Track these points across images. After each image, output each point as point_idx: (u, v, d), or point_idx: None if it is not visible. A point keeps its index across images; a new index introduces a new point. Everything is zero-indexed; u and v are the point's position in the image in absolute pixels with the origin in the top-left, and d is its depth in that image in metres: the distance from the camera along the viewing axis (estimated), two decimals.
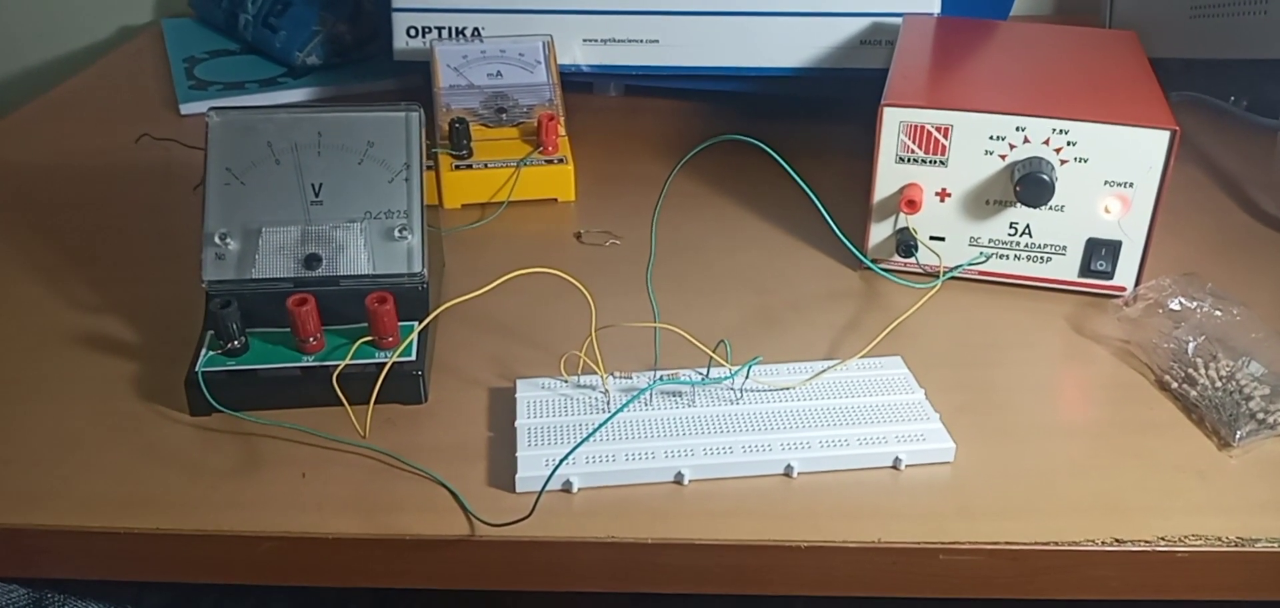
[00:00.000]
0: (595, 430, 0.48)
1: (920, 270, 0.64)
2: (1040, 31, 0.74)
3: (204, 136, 0.55)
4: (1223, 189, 0.76)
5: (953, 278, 0.63)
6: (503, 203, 0.72)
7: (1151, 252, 0.60)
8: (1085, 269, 0.62)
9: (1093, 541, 0.45)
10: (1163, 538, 0.45)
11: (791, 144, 0.69)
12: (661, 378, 0.52)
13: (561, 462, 0.46)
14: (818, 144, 0.84)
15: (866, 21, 0.81)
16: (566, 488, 0.47)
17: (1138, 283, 0.61)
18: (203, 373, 0.51)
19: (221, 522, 0.45)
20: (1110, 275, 0.61)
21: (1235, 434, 0.50)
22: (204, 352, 0.52)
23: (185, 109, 0.89)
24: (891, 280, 0.63)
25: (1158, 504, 0.47)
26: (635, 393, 0.51)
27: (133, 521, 0.45)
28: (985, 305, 0.62)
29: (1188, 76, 0.89)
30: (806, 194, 0.60)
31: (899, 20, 0.79)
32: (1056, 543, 0.45)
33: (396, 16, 0.83)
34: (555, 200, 0.74)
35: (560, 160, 0.73)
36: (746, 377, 0.52)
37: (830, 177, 0.72)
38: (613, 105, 0.92)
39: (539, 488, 0.46)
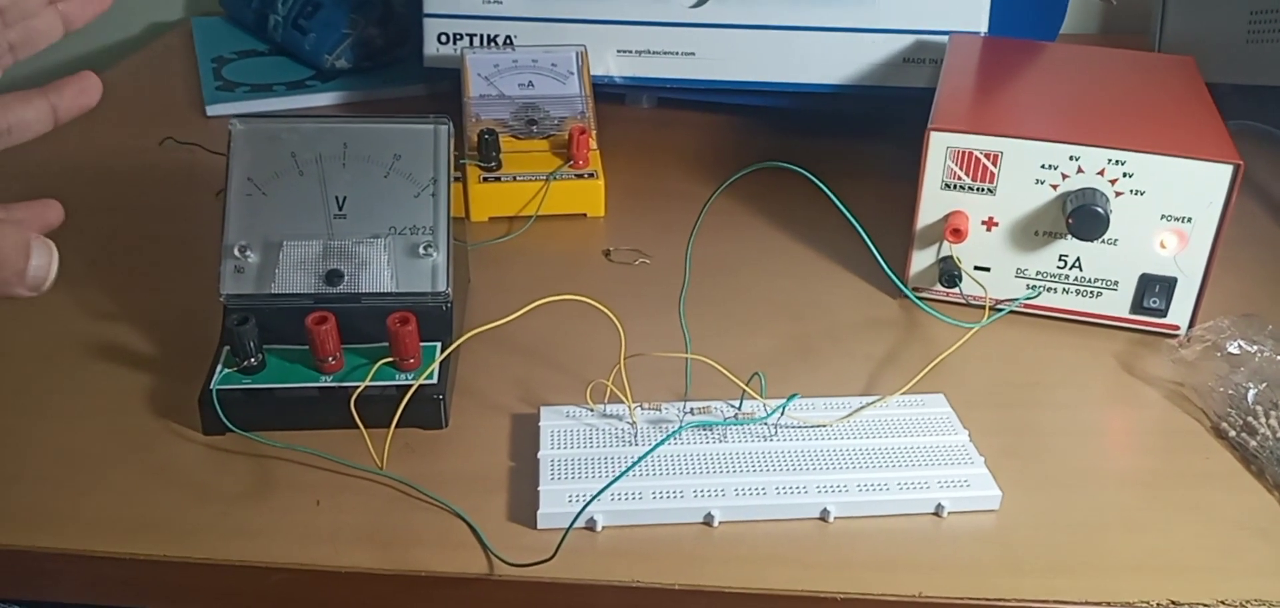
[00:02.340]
0: (624, 473, 0.46)
1: (964, 302, 0.61)
2: (1093, 55, 0.71)
3: (226, 145, 0.53)
4: None
5: (994, 309, 0.60)
6: (531, 217, 0.70)
7: (1207, 289, 0.57)
8: (1138, 306, 0.59)
9: (1147, 602, 0.42)
10: (1223, 602, 0.42)
11: (829, 164, 0.66)
12: (692, 410, 0.50)
13: (587, 505, 0.44)
14: (857, 164, 0.81)
15: (910, 39, 0.78)
16: (590, 526, 0.44)
17: (1193, 322, 0.58)
18: (217, 391, 0.49)
19: (231, 550, 0.43)
20: (1164, 313, 0.59)
21: None
22: (219, 368, 0.50)
23: (212, 110, 0.88)
24: (935, 316, 0.60)
25: (1217, 564, 0.44)
26: (667, 434, 0.48)
27: (139, 546, 0.43)
28: (1031, 340, 0.59)
29: (1242, 103, 0.85)
30: (848, 220, 0.58)
31: (943, 39, 0.77)
32: (1109, 603, 0.42)
33: (428, 22, 0.82)
34: (584, 215, 0.72)
35: (591, 175, 0.71)
36: (781, 415, 0.49)
37: (869, 199, 0.70)
38: (645, 117, 0.90)
39: (559, 525, 0.43)
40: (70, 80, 0.45)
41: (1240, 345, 0.55)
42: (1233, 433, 0.51)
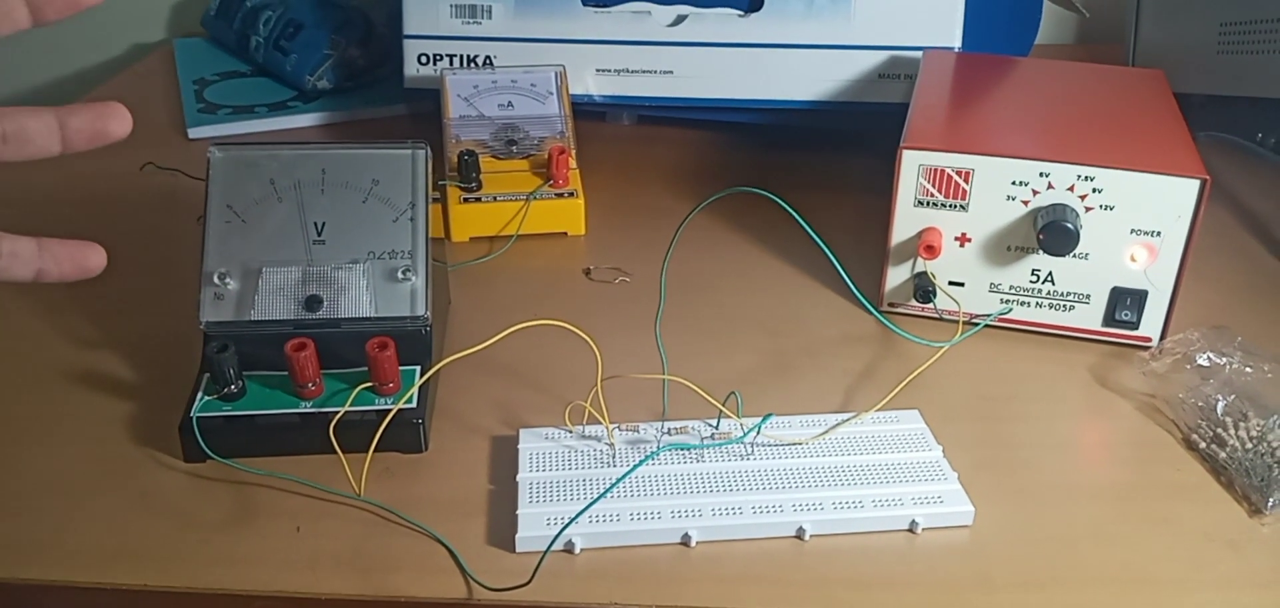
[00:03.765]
0: (601, 496, 0.46)
1: (938, 316, 0.62)
2: (1064, 70, 0.72)
3: (205, 172, 0.54)
4: (1252, 233, 0.74)
5: (968, 324, 0.61)
6: (511, 237, 0.71)
7: (1178, 300, 0.58)
8: (1109, 319, 0.60)
9: None
10: None
11: (806, 179, 0.67)
12: (670, 431, 0.51)
13: (564, 528, 0.44)
14: (834, 179, 0.82)
15: (884, 55, 0.79)
16: (569, 549, 0.45)
17: (1164, 333, 0.59)
18: (197, 418, 0.49)
19: (212, 578, 0.44)
20: (1135, 326, 0.59)
21: (1267, 501, 0.48)
22: (200, 396, 0.51)
23: (193, 133, 0.88)
24: (908, 338, 0.60)
25: (1187, 576, 0.45)
26: (644, 457, 0.49)
27: (121, 575, 0.44)
28: (1004, 354, 0.60)
29: (1213, 114, 0.87)
30: (819, 246, 0.59)
31: (918, 54, 0.78)
32: None
33: (408, 43, 0.82)
34: (565, 234, 0.73)
35: (571, 194, 0.72)
36: (757, 434, 0.50)
37: (846, 214, 0.71)
38: (625, 134, 0.91)
39: (538, 548, 0.44)
40: (91, 104, 0.39)
41: (1210, 357, 0.56)
42: (1203, 445, 0.52)
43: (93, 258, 0.42)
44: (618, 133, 0.91)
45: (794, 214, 0.57)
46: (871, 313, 0.61)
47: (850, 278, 0.59)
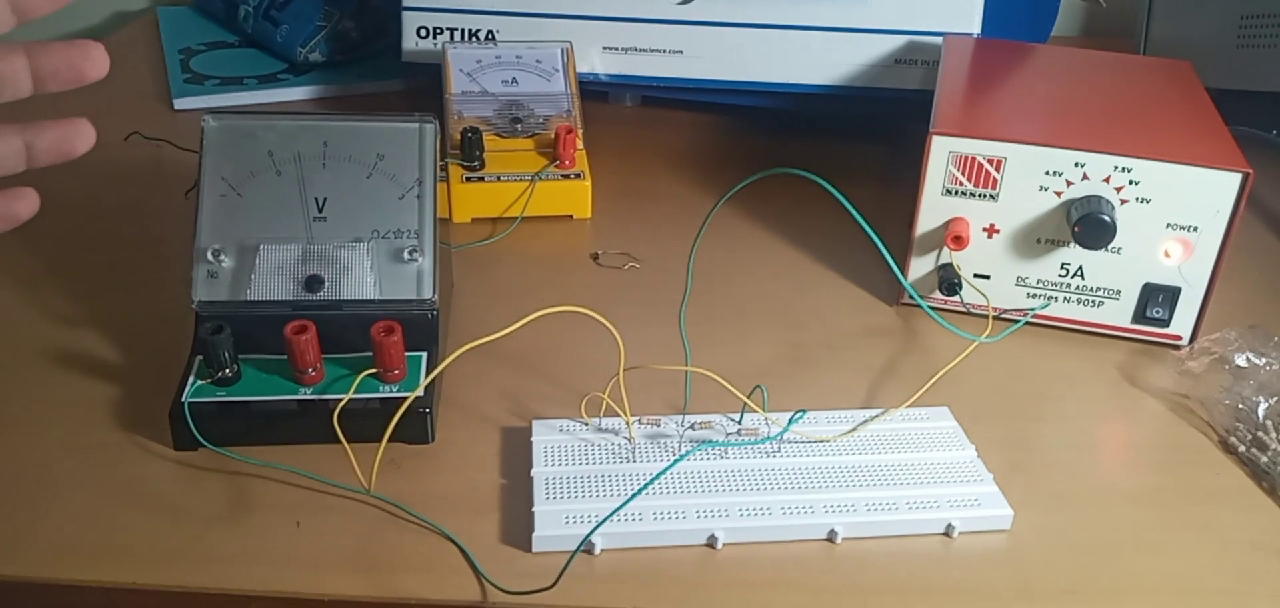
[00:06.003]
0: (636, 494, 0.43)
1: (964, 310, 0.59)
2: (1089, 58, 0.70)
3: (199, 143, 0.50)
4: (1273, 231, 0.72)
5: (997, 319, 0.58)
6: (516, 218, 0.68)
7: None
8: (1140, 316, 0.58)
9: None
10: None
11: (818, 166, 0.63)
12: (692, 426, 0.48)
13: (595, 528, 0.41)
14: (845, 166, 0.79)
15: (902, 39, 0.77)
16: (588, 549, 0.42)
17: (1196, 332, 0.57)
18: (189, 404, 0.46)
19: (205, 577, 0.41)
20: (1167, 323, 0.57)
21: None
22: (191, 380, 0.47)
23: (179, 104, 0.84)
24: (939, 322, 0.58)
25: (1235, 588, 0.43)
26: (678, 457, 0.46)
27: (106, 573, 0.41)
28: (1031, 350, 0.58)
29: (1231, 108, 0.85)
30: (865, 229, 0.56)
31: (936, 40, 0.75)
32: None
33: (406, 15, 0.79)
34: (570, 217, 0.70)
35: (577, 176, 0.69)
36: (785, 430, 0.47)
37: (860, 203, 0.68)
38: (629, 115, 0.88)
39: (555, 548, 0.42)
40: (55, 122, 0.39)
41: (1248, 358, 0.54)
42: (1242, 448, 0.50)
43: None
44: (621, 113, 0.88)
45: (842, 199, 0.54)
46: (909, 299, 0.58)
47: (887, 259, 0.56)
